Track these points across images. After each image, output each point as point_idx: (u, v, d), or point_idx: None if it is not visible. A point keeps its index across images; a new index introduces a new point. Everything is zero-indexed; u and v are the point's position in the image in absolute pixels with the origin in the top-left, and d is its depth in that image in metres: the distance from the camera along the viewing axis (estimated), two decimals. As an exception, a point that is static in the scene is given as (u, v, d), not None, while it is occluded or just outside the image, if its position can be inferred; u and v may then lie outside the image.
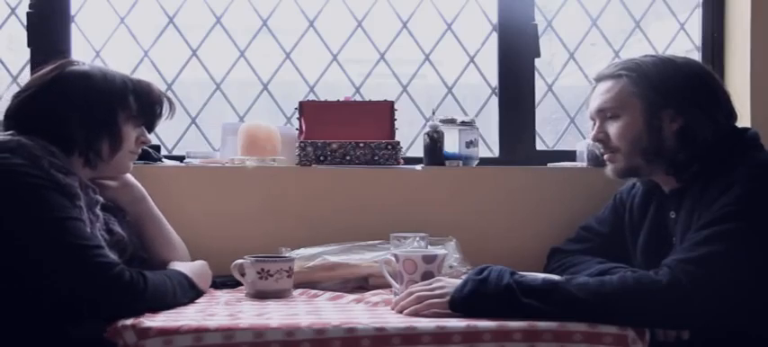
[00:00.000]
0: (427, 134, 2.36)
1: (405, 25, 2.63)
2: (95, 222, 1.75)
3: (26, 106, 1.78)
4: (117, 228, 1.85)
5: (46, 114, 1.76)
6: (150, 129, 1.93)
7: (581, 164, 2.43)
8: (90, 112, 1.78)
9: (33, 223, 1.60)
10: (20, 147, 1.66)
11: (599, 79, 1.94)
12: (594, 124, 1.95)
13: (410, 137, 2.58)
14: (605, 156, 1.95)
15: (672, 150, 1.85)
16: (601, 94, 1.92)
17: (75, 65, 1.84)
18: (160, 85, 2.01)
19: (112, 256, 1.67)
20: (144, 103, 1.87)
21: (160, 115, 1.92)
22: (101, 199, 1.82)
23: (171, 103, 1.95)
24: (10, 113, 1.80)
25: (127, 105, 1.84)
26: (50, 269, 1.58)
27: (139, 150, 1.94)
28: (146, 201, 2.00)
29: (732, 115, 1.89)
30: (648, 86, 1.85)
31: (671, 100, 1.84)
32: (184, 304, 1.73)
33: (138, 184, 2.00)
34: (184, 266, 1.88)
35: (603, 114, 1.92)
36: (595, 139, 1.94)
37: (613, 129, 1.90)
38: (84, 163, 1.80)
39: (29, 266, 1.58)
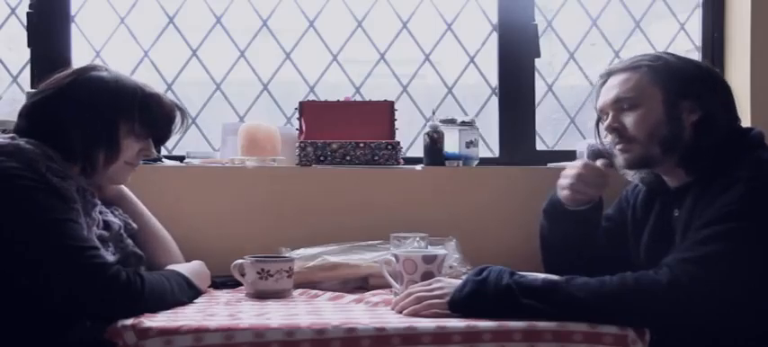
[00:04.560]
0: (427, 134, 2.36)
1: (405, 25, 2.63)
2: (92, 225, 1.74)
3: (36, 109, 1.77)
4: (112, 219, 1.85)
5: (50, 119, 1.75)
6: (159, 143, 1.89)
7: (581, 164, 2.43)
8: (89, 122, 1.76)
9: (28, 225, 1.59)
10: (17, 152, 1.65)
11: (612, 73, 1.92)
12: (606, 117, 1.92)
13: (410, 137, 2.57)
14: (618, 147, 1.91)
15: (688, 141, 1.84)
16: (617, 85, 1.89)
17: (94, 70, 1.82)
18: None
19: (109, 257, 1.66)
20: (151, 117, 1.83)
21: (169, 130, 1.89)
22: (98, 202, 1.82)
23: (183, 117, 1.91)
24: (22, 113, 1.79)
25: (130, 117, 1.79)
26: (47, 271, 1.58)
27: (139, 163, 1.88)
28: (143, 217, 1.99)
29: (737, 115, 1.89)
30: (669, 77, 1.84)
31: (690, 91, 1.83)
32: (183, 304, 1.73)
33: (137, 201, 1.99)
34: (182, 267, 1.87)
35: (620, 105, 1.88)
36: (610, 129, 1.90)
37: (630, 119, 1.87)
38: (81, 170, 1.77)
39: (25, 268, 1.58)
